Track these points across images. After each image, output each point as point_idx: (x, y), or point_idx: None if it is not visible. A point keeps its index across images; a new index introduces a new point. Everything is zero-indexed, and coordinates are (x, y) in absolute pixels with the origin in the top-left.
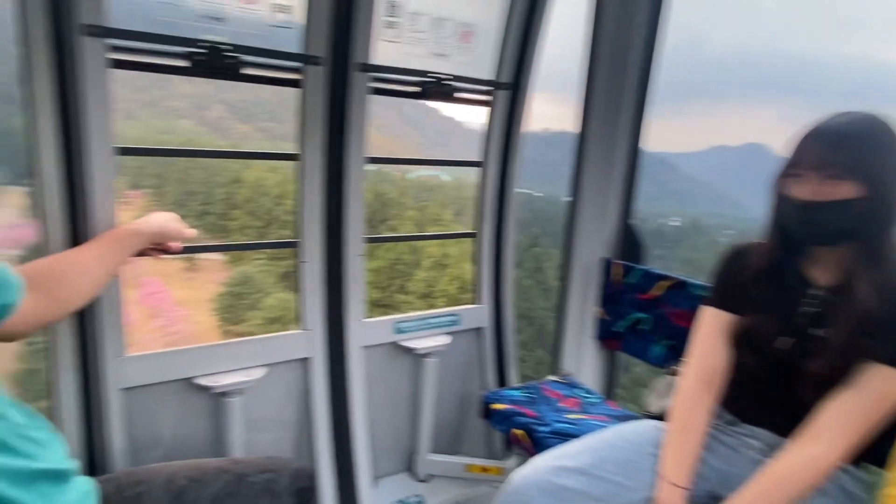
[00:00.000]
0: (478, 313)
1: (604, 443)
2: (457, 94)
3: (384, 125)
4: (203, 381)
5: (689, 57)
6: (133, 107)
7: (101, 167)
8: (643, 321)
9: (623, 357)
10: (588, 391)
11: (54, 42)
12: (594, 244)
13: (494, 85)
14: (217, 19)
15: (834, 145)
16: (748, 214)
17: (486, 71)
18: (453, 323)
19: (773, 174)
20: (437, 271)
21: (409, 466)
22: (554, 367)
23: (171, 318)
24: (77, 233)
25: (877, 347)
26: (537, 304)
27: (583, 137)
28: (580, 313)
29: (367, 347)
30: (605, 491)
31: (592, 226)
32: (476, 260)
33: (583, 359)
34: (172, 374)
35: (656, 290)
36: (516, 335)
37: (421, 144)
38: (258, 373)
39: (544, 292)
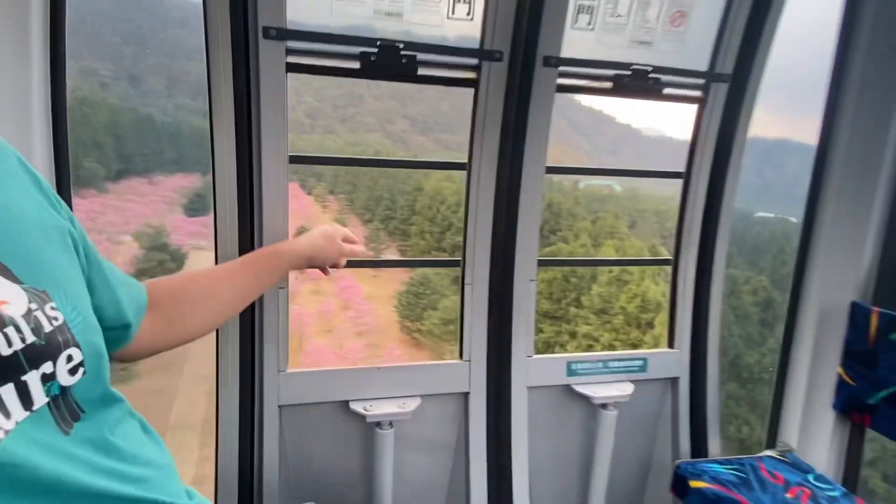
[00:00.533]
0: (671, 360)
1: None
2: (662, 91)
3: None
4: (357, 408)
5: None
6: (332, 123)
7: (274, 173)
8: None
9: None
10: (822, 479)
11: (237, 45)
12: (839, 284)
13: (709, 77)
14: (392, 15)
15: None
16: None
17: (697, 61)
18: (639, 369)
19: None
20: (616, 287)
21: None
22: (771, 438)
23: (360, 310)
24: (247, 237)
25: None
26: (732, 330)
27: (826, 146)
28: (812, 373)
29: (533, 388)
30: None
31: (838, 260)
32: (672, 293)
33: (813, 432)
34: (328, 396)
35: None
36: (721, 390)
37: (590, 153)
38: (413, 403)
39: (739, 319)
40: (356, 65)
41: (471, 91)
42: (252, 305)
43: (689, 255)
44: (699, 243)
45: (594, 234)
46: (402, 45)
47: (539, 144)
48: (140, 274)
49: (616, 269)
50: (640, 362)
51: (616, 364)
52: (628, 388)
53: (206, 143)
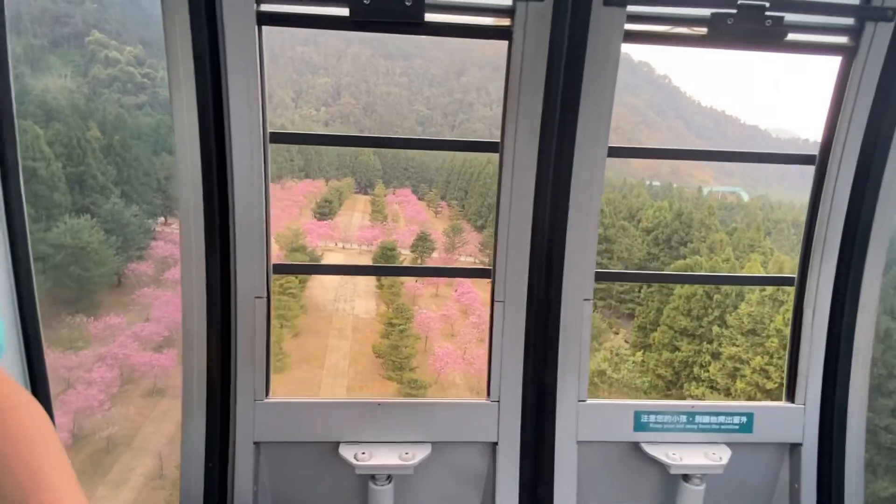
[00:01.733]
0: (791, 418)
1: None
2: (781, 35)
3: (668, 139)
4: (347, 454)
5: None
6: (443, 130)
7: (247, 154)
8: None
9: None
10: None
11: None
12: None
13: (863, 13)
14: None
15: None
16: None
17: None
18: (742, 428)
19: None
20: (770, 307)
21: None
22: None
23: (481, 316)
24: (215, 237)
25: None
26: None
27: None
28: None
29: (586, 443)
30: None
31: None
32: (795, 325)
33: None
34: (315, 434)
35: None
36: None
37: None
38: (421, 453)
39: None
40: (344, 10)
41: (504, 44)
42: (226, 317)
43: (822, 271)
44: (838, 255)
45: (735, 246)
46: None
47: (599, 115)
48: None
49: (770, 287)
50: (743, 418)
51: (708, 419)
52: (724, 455)
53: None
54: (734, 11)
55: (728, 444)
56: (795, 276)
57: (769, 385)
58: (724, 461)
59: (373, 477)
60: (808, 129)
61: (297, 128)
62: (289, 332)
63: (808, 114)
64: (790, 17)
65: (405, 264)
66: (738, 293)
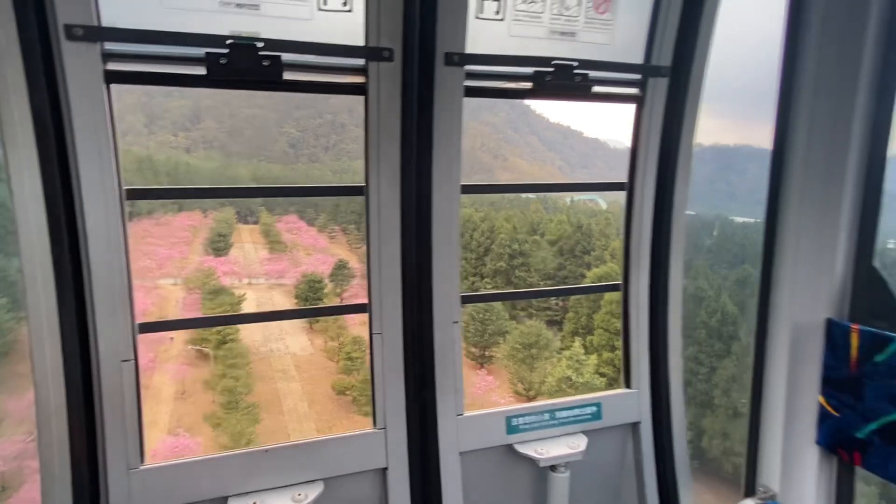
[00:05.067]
0: (630, 402)
1: None
2: (591, 88)
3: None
4: None
5: None
6: (317, 151)
7: (102, 211)
8: None
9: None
10: None
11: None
12: (811, 298)
13: (646, 71)
14: (245, 6)
15: None
16: None
17: (631, 55)
18: (593, 417)
19: None
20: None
21: None
22: (750, 484)
23: None
24: (70, 298)
25: None
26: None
27: (781, 151)
28: (791, 403)
29: (467, 453)
30: None
31: (807, 272)
32: (624, 324)
33: (796, 474)
34: (199, 493)
35: None
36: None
37: (563, 169)
38: (314, 491)
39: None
40: (202, 70)
41: (361, 99)
42: (88, 384)
43: (640, 277)
44: (650, 264)
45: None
46: (261, 44)
47: (450, 158)
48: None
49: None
50: (593, 408)
51: (566, 414)
52: (581, 444)
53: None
54: (552, 70)
55: (584, 432)
56: (621, 282)
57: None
58: (582, 448)
59: None
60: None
61: (152, 153)
62: (246, 382)
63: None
64: (594, 73)
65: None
66: None
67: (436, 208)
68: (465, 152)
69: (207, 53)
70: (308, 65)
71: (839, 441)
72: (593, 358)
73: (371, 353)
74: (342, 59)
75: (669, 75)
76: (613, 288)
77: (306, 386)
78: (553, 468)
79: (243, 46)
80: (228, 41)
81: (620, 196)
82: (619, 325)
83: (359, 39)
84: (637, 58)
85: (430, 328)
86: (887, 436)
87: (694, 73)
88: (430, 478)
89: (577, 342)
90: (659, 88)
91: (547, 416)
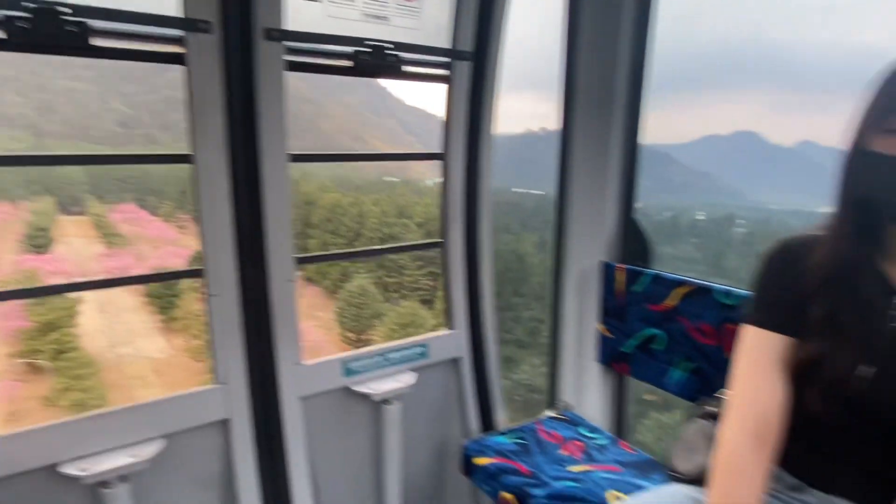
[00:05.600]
0: (452, 341)
1: None
2: (403, 68)
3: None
4: (69, 470)
5: (676, 47)
6: (153, 131)
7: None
8: (657, 339)
9: (636, 383)
10: (594, 430)
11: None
12: (591, 246)
13: (452, 55)
14: None
15: None
16: (749, 203)
17: (437, 38)
18: (420, 356)
19: (850, 130)
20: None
21: None
22: (551, 399)
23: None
24: None
25: None
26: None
27: (567, 131)
28: (579, 331)
29: (307, 398)
30: None
31: (587, 226)
32: (445, 274)
33: (585, 387)
34: (25, 463)
35: (671, 300)
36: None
37: (414, 144)
38: (151, 449)
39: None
40: (1, 34)
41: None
42: None
43: (455, 234)
44: (464, 222)
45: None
46: (66, 10)
47: (276, 130)
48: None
49: None
50: (421, 349)
51: (396, 355)
52: (410, 379)
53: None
54: (368, 50)
55: (413, 370)
56: (441, 239)
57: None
58: (411, 382)
59: (104, 484)
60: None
61: None
62: (99, 393)
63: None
64: (406, 55)
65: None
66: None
67: (266, 176)
68: (325, 135)
69: (6, 16)
70: (123, 32)
71: (612, 357)
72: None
73: (210, 315)
74: (160, 29)
75: (473, 59)
76: (436, 245)
77: (170, 391)
78: (385, 402)
79: (46, 10)
80: (28, 4)
81: (504, 182)
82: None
83: (178, 10)
84: (445, 42)
85: (266, 287)
86: (643, 348)
87: (491, 57)
88: (272, 423)
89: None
90: (464, 70)
91: (380, 358)
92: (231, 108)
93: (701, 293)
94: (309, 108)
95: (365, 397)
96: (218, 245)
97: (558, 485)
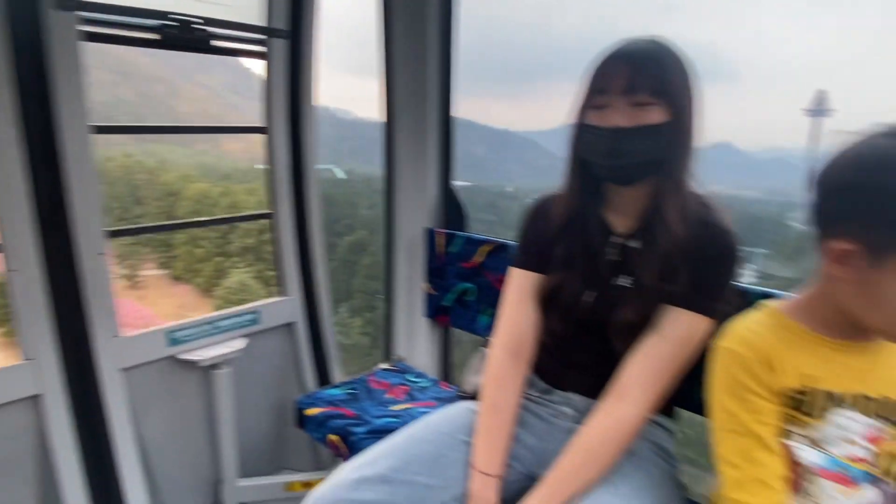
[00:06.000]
0: (285, 307)
1: (411, 439)
2: (215, 43)
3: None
4: None
5: (533, 41)
6: None
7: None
8: (469, 291)
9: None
10: (420, 375)
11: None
12: (416, 215)
13: (267, 32)
14: None
15: (640, 68)
16: None
17: (252, 15)
18: (252, 322)
19: (574, 106)
20: None
21: (215, 499)
22: (386, 354)
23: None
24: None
25: (678, 292)
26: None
27: (390, 113)
28: (408, 291)
29: (129, 369)
30: (410, 496)
31: (412, 196)
32: (276, 245)
33: (415, 340)
34: None
35: (478, 257)
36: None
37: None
38: None
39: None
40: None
41: None
42: None
43: (284, 205)
44: (293, 195)
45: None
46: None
47: (74, 101)
48: None
49: None
50: (252, 315)
51: (225, 322)
52: (240, 344)
53: None
54: (176, 24)
55: (244, 336)
56: (270, 211)
57: None
58: (240, 347)
59: None
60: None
61: None
62: None
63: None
64: (218, 30)
65: None
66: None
67: (67, 149)
68: (184, 117)
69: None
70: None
71: (436, 311)
72: (358, 321)
73: (12, 290)
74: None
75: (289, 37)
76: (265, 216)
77: None
78: (215, 367)
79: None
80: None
81: (358, 166)
82: (377, 286)
83: None
84: (260, 20)
85: (74, 261)
86: (459, 301)
87: (306, 35)
88: (91, 397)
89: (343, 308)
90: (281, 48)
91: (208, 326)
92: (21, 80)
93: (501, 250)
94: (161, 88)
95: (192, 365)
96: (14, 219)
97: (379, 422)
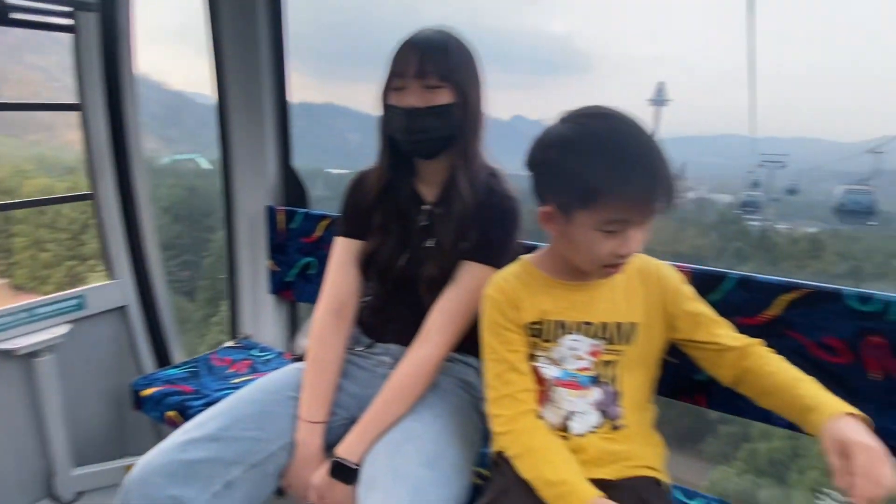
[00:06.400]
0: (115, 291)
1: (240, 400)
2: (14, 16)
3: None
4: None
5: (403, 29)
6: None
7: None
8: (311, 265)
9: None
10: (265, 349)
11: None
12: (257, 194)
13: (73, 4)
14: None
15: (430, 55)
16: None
17: None
18: (77, 308)
19: (379, 89)
20: None
21: (49, 491)
22: (232, 332)
23: None
24: None
25: (469, 248)
26: None
27: (223, 92)
28: (253, 269)
29: None
30: (239, 451)
31: (252, 176)
32: (100, 227)
33: (261, 317)
34: None
35: (318, 231)
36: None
37: (150, 124)
38: None
39: None
40: None
41: None
42: None
43: (106, 186)
44: (116, 173)
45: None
46: None
47: None
48: None
49: None
50: (76, 300)
51: (45, 309)
52: (62, 330)
53: None
54: None
55: (68, 322)
56: (91, 192)
57: None
58: (62, 333)
59: None
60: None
61: None
62: None
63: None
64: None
65: None
66: None
67: None
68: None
69: None
70: None
71: (280, 287)
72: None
73: None
74: None
75: (99, 10)
76: (85, 197)
77: None
78: (35, 355)
79: None
80: None
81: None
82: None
83: None
84: None
85: None
86: (302, 275)
87: (122, 9)
88: None
89: (223, 305)
90: (92, 21)
91: (24, 314)
92: None
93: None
94: None
95: (8, 354)
96: None
97: (219, 394)
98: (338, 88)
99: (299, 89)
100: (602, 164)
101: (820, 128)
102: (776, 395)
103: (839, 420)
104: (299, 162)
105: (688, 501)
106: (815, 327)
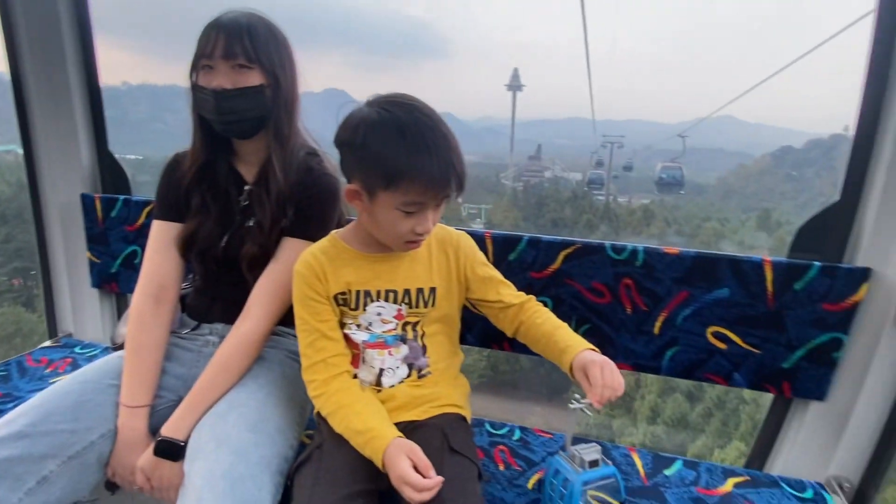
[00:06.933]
0: None
1: (53, 394)
2: None
3: None
4: None
5: (265, 7)
6: None
7: None
8: (136, 254)
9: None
10: (89, 346)
11: None
12: (69, 182)
13: None
14: None
15: (239, 37)
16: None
17: None
18: None
19: (189, 68)
20: None
21: None
22: (51, 332)
23: None
24: None
25: (289, 225)
26: None
27: (19, 79)
28: (71, 263)
29: None
30: (52, 444)
31: (62, 164)
32: None
33: (84, 313)
34: None
35: (142, 218)
36: None
37: None
38: None
39: None
40: None
41: None
42: None
43: None
44: None
45: None
46: None
47: None
48: None
49: None
50: None
51: None
52: None
53: None
54: None
55: None
56: None
57: None
58: None
59: None
60: None
61: None
62: None
63: None
64: None
65: None
66: None
67: None
68: None
69: None
70: None
71: (104, 279)
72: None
73: None
74: None
75: None
76: None
77: None
78: None
79: None
80: None
81: None
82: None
83: None
84: None
85: None
86: (126, 265)
87: None
88: None
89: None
90: None
91: None
92: None
93: None
94: None
95: None
96: None
97: (33, 395)
98: (183, 69)
99: (133, 69)
100: (404, 150)
101: (649, 110)
102: (541, 341)
103: (582, 353)
104: (147, 150)
105: (496, 431)
106: (586, 275)
